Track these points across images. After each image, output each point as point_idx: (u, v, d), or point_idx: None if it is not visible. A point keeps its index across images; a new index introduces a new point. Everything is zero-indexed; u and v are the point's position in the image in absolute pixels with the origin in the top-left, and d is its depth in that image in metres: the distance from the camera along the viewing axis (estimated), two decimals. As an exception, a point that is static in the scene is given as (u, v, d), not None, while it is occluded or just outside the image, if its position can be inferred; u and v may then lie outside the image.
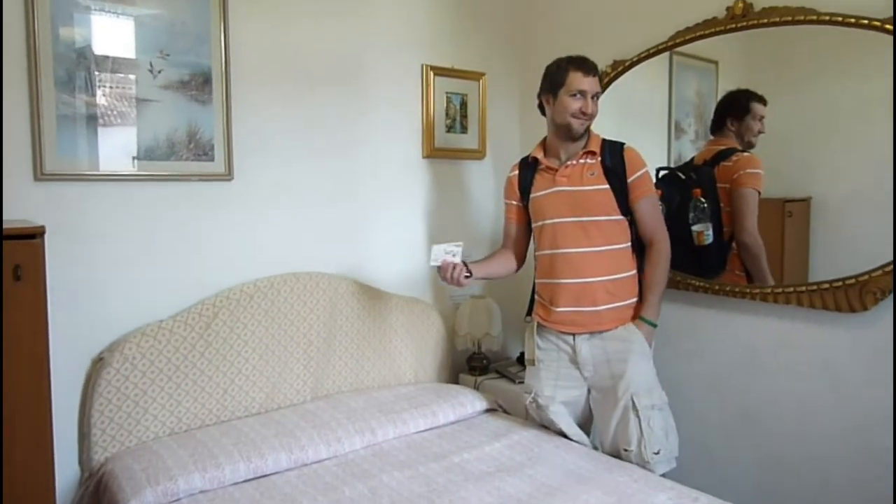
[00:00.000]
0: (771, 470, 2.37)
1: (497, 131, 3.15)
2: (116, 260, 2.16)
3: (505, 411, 2.56)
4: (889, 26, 1.96)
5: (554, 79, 2.20)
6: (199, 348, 2.24)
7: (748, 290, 2.37)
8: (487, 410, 2.51)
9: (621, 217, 2.18)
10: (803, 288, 2.21)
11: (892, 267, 2.01)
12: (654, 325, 2.17)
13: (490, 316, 2.90)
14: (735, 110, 2.39)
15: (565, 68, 2.18)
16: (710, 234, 2.42)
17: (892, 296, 2.03)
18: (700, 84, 2.66)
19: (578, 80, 2.15)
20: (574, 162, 2.21)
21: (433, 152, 2.91)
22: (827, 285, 2.15)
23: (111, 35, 2.10)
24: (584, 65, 2.17)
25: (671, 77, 2.68)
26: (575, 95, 2.15)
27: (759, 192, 2.37)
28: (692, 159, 2.58)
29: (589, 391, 2.25)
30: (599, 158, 2.19)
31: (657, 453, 2.10)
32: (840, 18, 2.05)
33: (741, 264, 2.43)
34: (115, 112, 2.12)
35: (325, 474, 1.98)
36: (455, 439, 2.24)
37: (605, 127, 2.50)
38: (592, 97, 2.16)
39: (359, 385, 2.64)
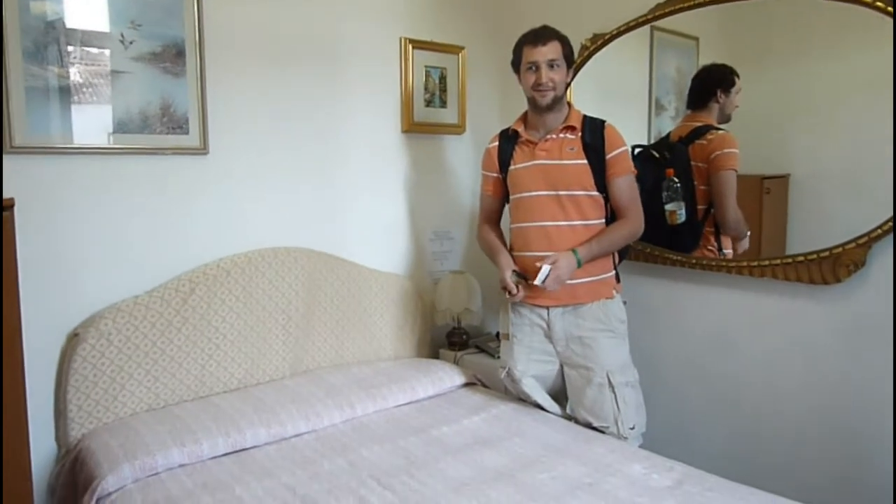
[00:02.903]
0: (743, 441, 2.42)
1: (477, 106, 3.13)
2: (91, 234, 2.13)
3: (484, 385, 2.58)
4: (880, 3, 1.95)
5: (515, 57, 2.23)
6: (176, 324, 2.22)
7: (724, 264, 2.40)
8: (466, 385, 2.53)
9: (597, 193, 2.18)
10: (778, 261, 2.24)
11: (865, 239, 2.03)
12: (579, 264, 2.12)
13: (470, 291, 2.90)
14: (725, 83, 2.39)
15: (520, 44, 2.20)
16: (682, 214, 2.44)
17: (864, 268, 2.06)
18: (680, 61, 2.66)
19: (529, 53, 2.16)
20: (554, 136, 2.20)
21: (412, 127, 2.89)
22: (802, 258, 2.18)
23: (83, 6, 2.05)
24: (534, 36, 2.16)
25: (652, 53, 2.67)
26: (530, 69, 2.16)
27: (736, 171, 2.38)
28: (668, 135, 2.59)
29: (561, 365, 2.26)
30: (580, 134, 2.18)
31: (632, 428, 2.17)
32: (822, -8, 2.05)
33: (714, 240, 2.46)
34: (88, 85, 2.07)
35: (304, 448, 1.99)
36: (434, 413, 2.26)
37: (584, 102, 2.50)
38: (550, 66, 2.14)
39: (338, 361, 2.63)
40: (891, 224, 1.98)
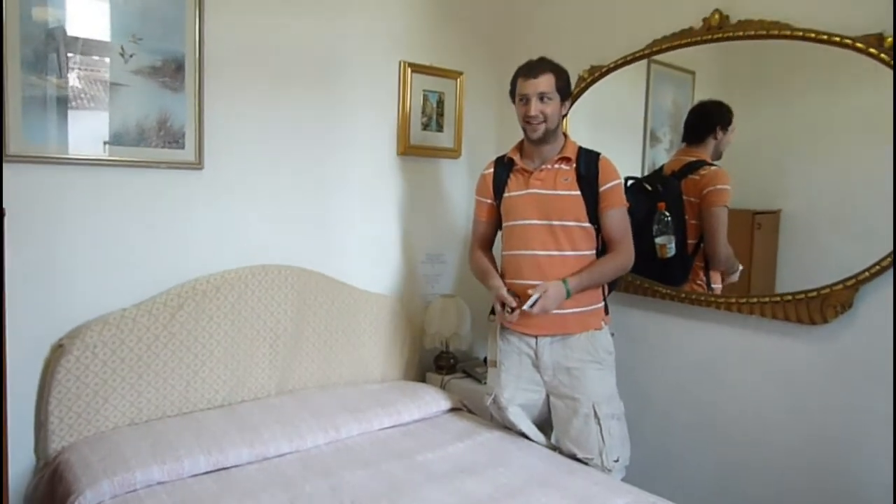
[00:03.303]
0: (730, 474, 2.41)
1: (473, 131, 3.15)
2: (82, 246, 2.12)
3: (470, 411, 2.57)
4: (861, 44, 1.99)
5: (511, 87, 2.25)
6: (163, 339, 2.21)
7: (713, 300, 2.41)
8: (452, 410, 2.51)
9: (589, 225, 2.19)
10: (767, 299, 2.25)
11: (852, 281, 2.05)
12: (568, 294, 2.12)
13: (459, 315, 2.90)
14: (724, 121, 2.41)
15: (516, 76, 2.22)
16: (672, 248, 2.45)
17: (852, 310, 2.08)
18: (677, 94, 2.69)
19: (521, 86, 2.18)
20: (549, 166, 2.22)
21: (408, 150, 2.90)
22: (790, 297, 2.19)
23: (85, 17, 2.06)
24: (527, 69, 2.18)
25: (648, 85, 2.70)
26: (521, 100, 2.18)
27: (727, 208, 2.40)
28: (661, 168, 2.61)
29: (548, 395, 2.26)
30: (574, 165, 2.20)
31: (616, 461, 2.16)
32: (813, 35, 2.08)
33: (703, 275, 2.47)
34: (86, 95, 2.08)
35: (287, 469, 1.97)
36: (419, 438, 2.24)
37: (580, 132, 2.52)
38: (541, 98, 2.14)
39: (325, 381, 2.62)
40: (877, 267, 2.00)
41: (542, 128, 2.16)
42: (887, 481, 2.02)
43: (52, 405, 2.02)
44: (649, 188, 2.51)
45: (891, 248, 1.98)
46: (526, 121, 2.17)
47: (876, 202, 2.03)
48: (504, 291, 2.17)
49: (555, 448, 2.26)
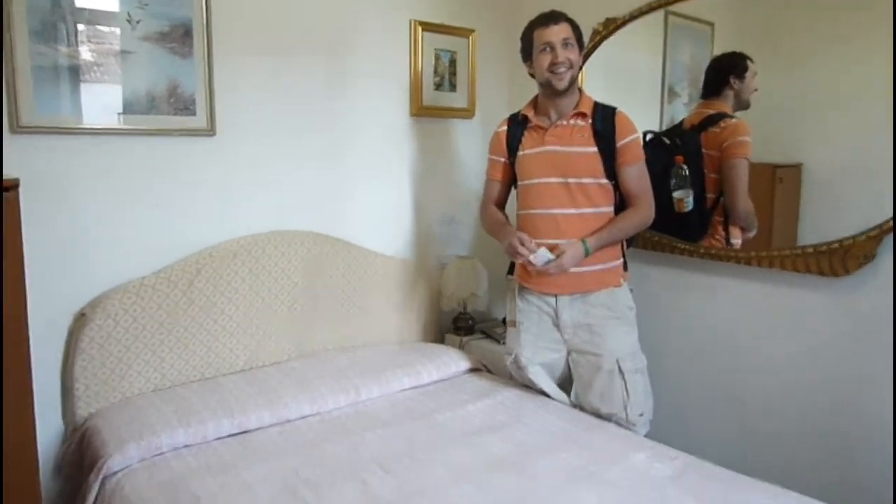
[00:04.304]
0: (749, 431, 2.41)
1: (486, 90, 3.10)
2: (97, 215, 2.13)
3: (489, 371, 2.58)
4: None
5: (525, 44, 2.20)
6: (183, 305, 2.23)
7: (733, 254, 2.37)
8: (471, 370, 2.53)
9: (606, 181, 2.16)
10: (787, 252, 2.21)
11: (875, 232, 2.01)
12: (587, 253, 2.10)
13: (476, 276, 2.90)
14: (737, 70, 2.36)
15: (529, 29, 2.17)
16: (690, 202, 2.41)
17: (875, 261, 2.04)
18: (694, 47, 2.62)
19: (541, 35, 2.13)
20: (564, 122, 2.18)
21: (421, 111, 2.87)
22: (811, 250, 2.15)
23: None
24: (544, 18, 2.14)
25: (665, 38, 2.64)
26: (544, 50, 2.12)
27: (748, 160, 2.35)
28: (681, 122, 2.56)
29: (569, 353, 2.26)
30: (590, 121, 2.16)
31: (641, 415, 2.16)
32: (836, -21, 2.01)
33: (723, 230, 2.43)
34: (95, 64, 2.07)
35: (308, 431, 2.00)
36: (438, 398, 2.26)
37: (597, 88, 2.47)
38: (563, 45, 2.11)
39: (343, 344, 2.64)
40: (903, 216, 1.96)
41: (568, 75, 2.12)
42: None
43: (77, 373, 2.05)
44: (667, 142, 2.46)
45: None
46: (551, 70, 2.11)
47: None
48: (521, 233, 2.13)
49: (575, 406, 2.26)
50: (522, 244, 2.09)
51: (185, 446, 1.88)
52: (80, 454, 1.95)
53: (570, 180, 2.15)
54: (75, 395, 2.06)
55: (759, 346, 2.35)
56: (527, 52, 2.20)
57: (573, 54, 2.12)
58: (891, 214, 1.98)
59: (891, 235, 2.00)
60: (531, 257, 2.08)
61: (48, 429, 2.08)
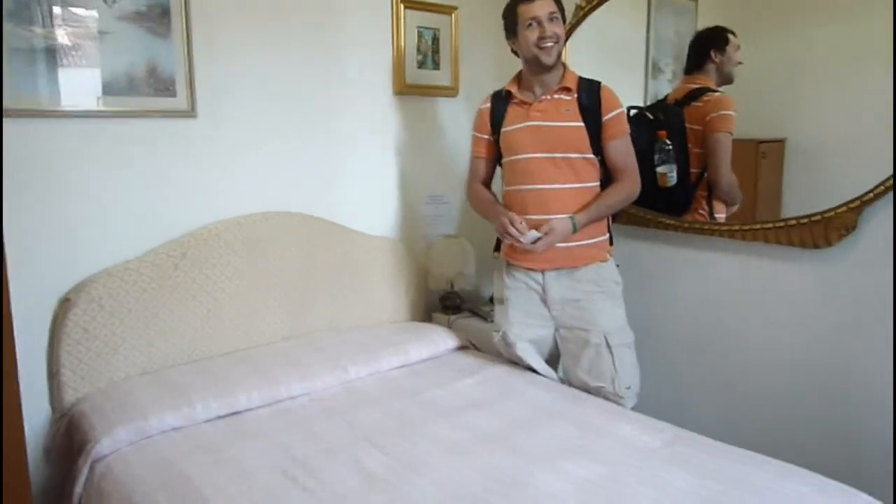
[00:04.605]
0: (735, 404, 2.44)
1: (470, 68, 3.08)
2: (80, 199, 2.11)
3: (477, 349, 2.59)
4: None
5: (508, 20, 2.18)
6: (168, 288, 2.22)
7: (717, 228, 2.39)
8: (459, 348, 2.54)
9: (592, 156, 2.16)
10: (770, 225, 2.23)
11: (856, 203, 2.03)
12: (575, 229, 2.12)
13: (463, 255, 2.90)
14: (717, 42, 2.36)
15: (513, 5, 2.16)
16: (673, 177, 2.42)
17: (856, 232, 2.07)
18: (679, 22, 2.63)
19: (526, 10, 2.11)
20: (549, 97, 2.17)
21: (404, 89, 2.85)
22: (794, 222, 2.17)
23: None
24: None
25: (649, 14, 2.64)
26: (530, 25, 2.11)
27: (732, 134, 2.36)
28: (665, 98, 2.56)
29: (556, 329, 2.27)
30: (575, 95, 2.16)
31: (628, 388, 2.19)
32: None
33: (706, 204, 2.45)
34: (72, 45, 2.03)
35: (298, 410, 2.00)
36: (427, 376, 2.27)
37: (580, 64, 2.46)
38: (550, 19, 2.10)
39: (332, 324, 2.64)
40: (882, 188, 1.98)
41: (555, 49, 2.11)
42: (890, 405, 2.04)
43: (63, 358, 2.04)
44: (651, 117, 2.46)
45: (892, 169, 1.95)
46: (538, 45, 2.10)
47: (881, 127, 1.99)
48: (512, 213, 2.13)
49: (563, 382, 2.28)
50: (513, 224, 2.09)
51: (175, 428, 1.87)
52: (69, 439, 1.94)
53: (557, 155, 2.15)
54: (62, 380, 2.05)
55: (746, 318, 2.38)
56: (511, 29, 2.18)
57: (559, 28, 2.12)
58: (870, 186, 2.00)
59: (872, 206, 2.02)
60: (522, 238, 2.08)
61: (36, 414, 2.07)
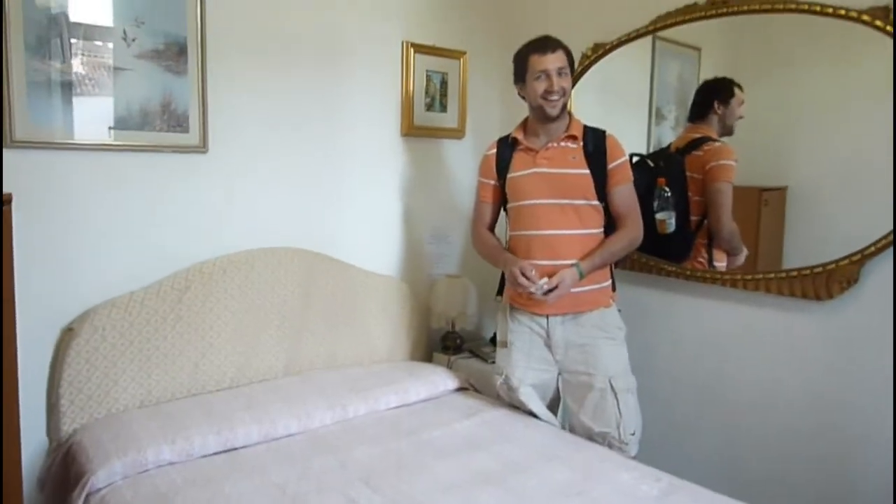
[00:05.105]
0: (735, 452, 2.42)
1: (477, 111, 3.14)
2: (88, 230, 2.14)
3: (476, 390, 2.58)
4: (867, 17, 1.97)
5: (518, 68, 2.22)
6: (171, 321, 2.23)
7: (719, 276, 2.41)
8: (459, 389, 2.53)
9: (598, 203, 2.19)
10: (772, 275, 2.25)
11: (858, 256, 2.04)
12: (581, 276, 2.13)
13: (465, 295, 2.91)
14: (723, 94, 2.40)
15: (525, 54, 2.19)
16: (672, 223, 2.45)
17: (857, 285, 2.07)
18: (682, 70, 2.67)
19: (537, 61, 2.15)
20: (555, 144, 2.21)
21: (412, 130, 2.90)
22: (795, 273, 2.19)
23: (87, 1, 2.06)
24: (541, 45, 2.16)
25: (653, 62, 2.68)
26: (539, 77, 2.15)
27: (731, 184, 2.38)
28: (668, 146, 2.60)
29: (559, 373, 2.27)
30: (581, 143, 2.19)
31: (633, 434, 2.18)
32: (819, 8, 2.06)
33: (706, 252, 2.46)
34: (89, 80, 2.08)
35: (295, 448, 1.99)
36: (425, 416, 2.26)
37: (585, 110, 2.51)
38: (559, 73, 2.14)
39: (332, 361, 2.64)
40: (884, 242, 1.99)
41: (560, 102, 2.15)
42: (887, 454, 2.02)
43: (63, 388, 2.04)
44: (651, 164, 2.50)
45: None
46: (545, 97, 2.15)
47: (882, 177, 2.02)
48: (524, 262, 2.14)
49: (564, 429, 2.27)
50: (524, 274, 2.10)
51: (171, 463, 1.86)
52: (65, 470, 1.93)
53: (563, 201, 2.17)
54: (60, 410, 2.05)
55: (746, 366, 2.38)
56: (520, 76, 2.23)
57: (566, 82, 2.16)
58: (873, 239, 2.01)
59: (873, 259, 2.03)
60: (532, 288, 2.10)
61: (32, 444, 2.06)
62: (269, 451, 1.96)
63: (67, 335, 2.08)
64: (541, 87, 2.15)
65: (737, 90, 2.39)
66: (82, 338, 2.06)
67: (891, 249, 1.99)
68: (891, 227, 1.98)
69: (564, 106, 2.18)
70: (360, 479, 1.80)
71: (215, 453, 1.94)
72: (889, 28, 1.94)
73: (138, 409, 2.13)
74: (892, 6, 1.94)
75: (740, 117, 2.39)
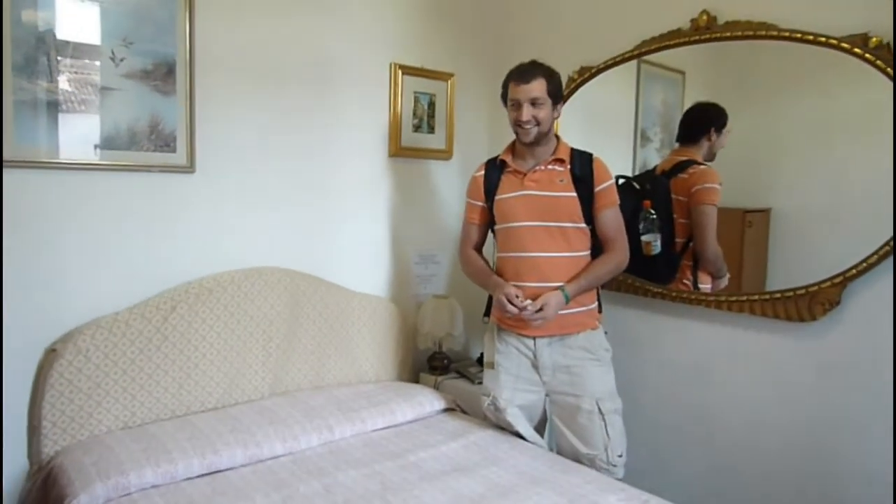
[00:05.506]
0: (720, 473, 2.43)
1: (465, 132, 3.16)
2: (73, 250, 2.12)
3: (463, 411, 2.58)
4: (846, 45, 2.01)
5: (503, 91, 2.25)
6: (156, 342, 2.21)
7: (703, 298, 2.42)
8: (446, 410, 2.52)
9: (584, 225, 2.21)
10: (756, 297, 2.27)
11: (840, 279, 2.07)
12: (567, 300, 2.14)
13: (452, 316, 2.91)
14: (720, 122, 2.40)
15: (507, 80, 2.22)
16: (657, 245, 2.47)
17: (839, 306, 2.10)
18: (667, 93, 2.71)
19: (513, 90, 2.18)
20: (543, 167, 2.23)
21: (399, 151, 2.91)
22: (779, 295, 2.21)
23: (75, 20, 2.06)
24: (517, 74, 2.18)
25: (638, 85, 2.72)
26: (513, 105, 2.18)
27: (716, 206, 2.41)
28: (654, 168, 2.63)
29: (547, 395, 2.27)
30: (569, 167, 2.21)
31: (620, 456, 2.19)
32: (800, 35, 2.10)
33: (691, 274, 2.49)
34: (76, 99, 2.08)
35: (280, 471, 1.97)
36: (412, 438, 2.25)
37: (571, 133, 2.54)
38: (532, 104, 2.14)
39: (319, 382, 2.62)
40: (864, 264, 2.02)
41: (534, 131, 2.16)
42: (876, 477, 2.04)
43: (46, 409, 2.02)
44: (637, 187, 2.52)
45: (877, 245, 2.00)
46: (517, 125, 2.18)
47: (865, 200, 2.05)
48: (511, 288, 2.15)
49: (551, 451, 2.27)
50: (511, 302, 2.11)
51: (154, 486, 1.84)
52: (45, 493, 1.90)
53: (551, 224, 2.19)
54: (42, 432, 2.02)
55: (732, 386, 2.39)
56: (504, 100, 2.26)
57: (541, 112, 2.15)
58: (857, 258, 2.04)
59: (855, 281, 2.06)
60: (523, 314, 2.10)
61: (12, 466, 2.03)
62: (254, 474, 1.95)
63: (50, 356, 2.05)
64: (513, 114, 2.18)
65: (727, 119, 2.40)
66: (66, 359, 2.04)
67: (874, 271, 2.02)
68: (874, 249, 2.00)
69: (540, 134, 2.18)
70: (345, 502, 1.78)
71: (199, 476, 1.92)
72: (868, 55, 1.98)
73: (122, 431, 2.10)
74: (872, 34, 1.98)
75: (723, 146, 2.42)
